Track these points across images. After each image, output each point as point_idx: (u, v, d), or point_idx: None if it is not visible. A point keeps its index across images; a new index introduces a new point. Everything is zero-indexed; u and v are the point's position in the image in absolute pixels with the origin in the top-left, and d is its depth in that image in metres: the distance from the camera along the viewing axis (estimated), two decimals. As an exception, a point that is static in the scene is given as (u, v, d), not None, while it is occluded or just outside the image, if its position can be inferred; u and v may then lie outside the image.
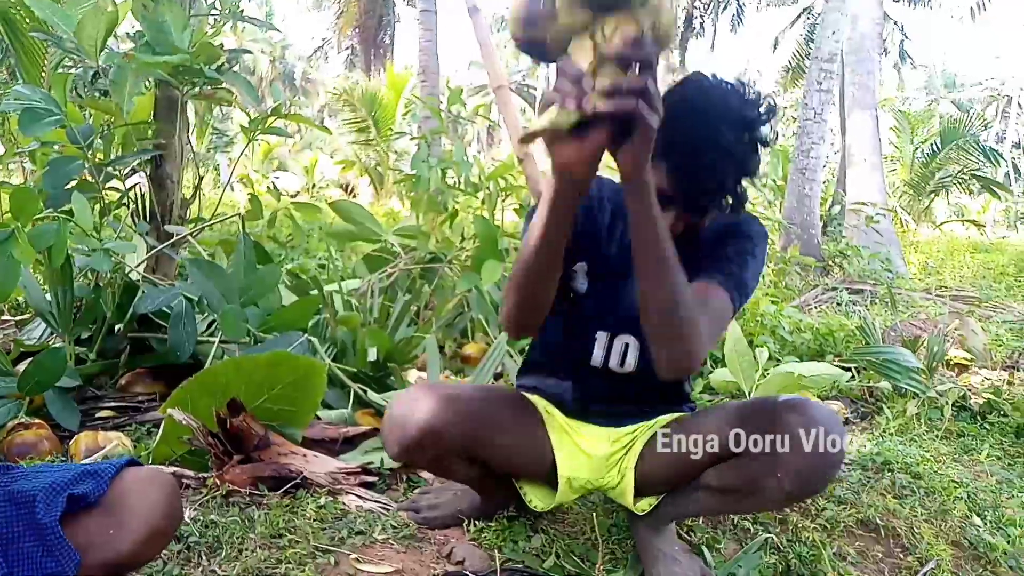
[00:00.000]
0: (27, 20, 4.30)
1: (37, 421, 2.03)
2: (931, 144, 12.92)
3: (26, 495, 1.15)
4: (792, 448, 1.43)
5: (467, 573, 1.64)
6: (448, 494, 1.92)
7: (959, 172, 12.69)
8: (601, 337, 1.67)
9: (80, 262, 2.42)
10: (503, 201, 3.55)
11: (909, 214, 12.48)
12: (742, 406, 1.64)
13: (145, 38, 3.28)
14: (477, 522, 1.82)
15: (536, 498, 1.77)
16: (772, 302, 3.59)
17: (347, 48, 24.99)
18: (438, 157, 3.68)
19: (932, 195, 13.35)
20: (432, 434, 1.53)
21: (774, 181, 10.01)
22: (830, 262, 7.18)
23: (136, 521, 1.19)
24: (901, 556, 1.91)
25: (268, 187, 4.04)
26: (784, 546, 1.84)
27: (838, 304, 5.13)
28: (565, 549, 1.74)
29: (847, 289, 5.59)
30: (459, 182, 3.58)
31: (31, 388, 2.02)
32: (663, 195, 1.36)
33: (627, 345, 1.67)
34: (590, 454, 1.73)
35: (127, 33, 3.75)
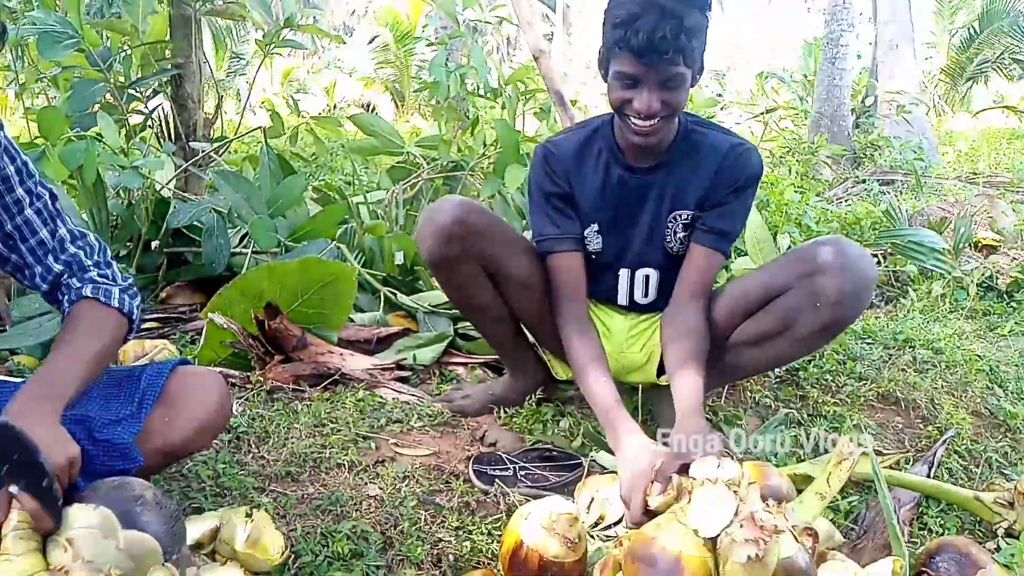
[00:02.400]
0: (36, -57, 4.26)
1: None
2: (969, 28, 12.31)
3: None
4: (829, 274, 1.49)
5: (500, 453, 1.73)
6: (479, 386, 2.01)
7: (999, 56, 12.13)
8: (623, 275, 1.80)
9: (112, 181, 2.48)
10: (523, 105, 3.52)
11: (945, 103, 12.04)
12: (774, 260, 1.77)
13: (163, -43, 3.23)
14: (508, 409, 1.91)
15: (560, 368, 1.87)
16: (797, 191, 3.55)
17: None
18: (456, 64, 3.64)
19: (970, 82, 12.81)
20: (462, 223, 1.62)
21: (804, 76, 9.70)
22: (861, 155, 7.01)
23: (189, 414, 1.29)
24: (921, 426, 1.97)
25: (288, 103, 4.05)
26: (805, 420, 1.90)
27: (868, 194, 5.06)
28: (592, 431, 1.82)
29: (878, 180, 5.49)
30: (478, 88, 3.54)
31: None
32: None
33: (647, 276, 1.79)
34: (610, 327, 1.83)
35: (134, -48, 3.70)
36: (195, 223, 2.48)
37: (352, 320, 2.28)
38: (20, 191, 1.19)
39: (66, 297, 1.22)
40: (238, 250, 2.56)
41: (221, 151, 3.44)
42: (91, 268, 1.25)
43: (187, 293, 2.52)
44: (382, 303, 2.40)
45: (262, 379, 1.92)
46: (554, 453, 1.77)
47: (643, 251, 1.76)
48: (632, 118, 1.56)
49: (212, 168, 3.27)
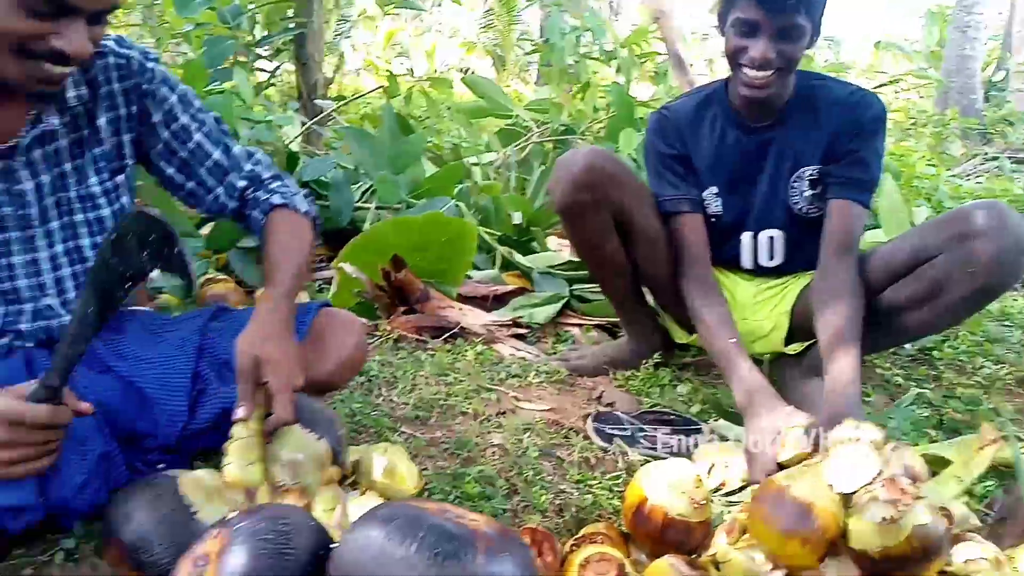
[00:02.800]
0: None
1: (223, 276, 2.26)
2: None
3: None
4: (986, 238, 1.43)
5: (618, 413, 1.75)
6: (595, 347, 2.02)
7: None
8: (746, 238, 1.77)
9: (245, 134, 2.60)
10: (639, 68, 3.46)
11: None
12: (923, 224, 1.71)
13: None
14: (624, 371, 1.92)
15: (679, 331, 1.87)
16: (930, 164, 3.36)
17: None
18: (571, 26, 3.61)
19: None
20: (596, 170, 1.65)
21: (927, 46, 9.12)
22: (991, 130, 6.57)
23: (333, 351, 1.36)
24: (1063, 415, 1.86)
25: (405, 69, 4.11)
26: (938, 401, 1.83)
27: (1000, 172, 4.74)
28: (711, 396, 1.80)
29: (1010, 158, 5.14)
30: (592, 51, 3.50)
31: (217, 245, 2.24)
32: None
33: (772, 238, 1.76)
34: (735, 293, 1.82)
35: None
36: (322, 178, 2.58)
37: (470, 277, 2.33)
38: (185, 118, 1.25)
39: (256, 209, 1.29)
40: (360, 204, 2.64)
41: (339, 109, 3.55)
42: (270, 180, 1.32)
43: (312, 244, 2.63)
44: (498, 262, 2.43)
45: (388, 328, 1.99)
46: (672, 417, 1.77)
47: (766, 212, 1.74)
48: (746, 68, 1.56)
49: (330, 126, 3.39)
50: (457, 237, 2.13)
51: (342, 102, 3.34)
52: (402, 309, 2.08)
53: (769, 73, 1.55)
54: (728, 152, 1.73)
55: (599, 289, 2.22)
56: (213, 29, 3.06)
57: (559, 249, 2.66)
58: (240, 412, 1.09)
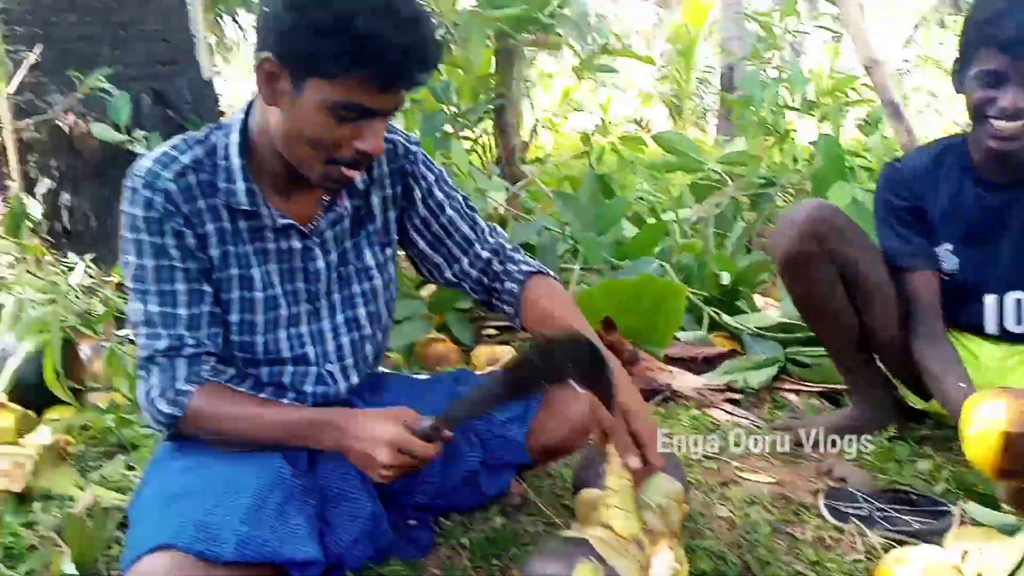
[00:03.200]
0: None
1: (442, 336, 2.41)
2: None
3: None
4: None
5: (851, 489, 1.65)
6: (818, 417, 1.93)
7: None
8: (989, 300, 1.67)
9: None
10: (844, 117, 3.33)
11: None
12: None
13: (487, -7, 3.54)
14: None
15: (914, 397, 1.75)
16: None
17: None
18: (768, 78, 3.54)
19: None
20: (822, 221, 1.62)
21: None
22: None
23: (566, 417, 1.40)
24: None
25: (592, 127, 4.23)
26: None
27: None
28: (958, 475, 1.66)
29: None
30: (793, 100, 3.41)
31: (438, 308, 2.40)
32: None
33: (1020, 301, 1.65)
34: (978, 355, 1.69)
35: (469, -8, 4.10)
36: (527, 240, 2.69)
37: (677, 338, 2.32)
38: (440, 195, 1.35)
39: (508, 280, 1.34)
40: (564, 265, 2.72)
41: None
42: (513, 251, 1.39)
43: (518, 304, 2.73)
44: (705, 323, 2.40)
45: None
46: (913, 497, 1.64)
47: (1012, 273, 1.63)
48: (995, 120, 1.49)
49: (526, 187, 3.53)
50: (666, 298, 2.13)
51: (544, 167, 3.46)
52: (613, 371, 2.11)
53: (1020, 123, 1.47)
54: (967, 208, 1.64)
55: (819, 352, 2.13)
56: (427, 105, 3.31)
57: (765, 307, 2.58)
58: (634, 462, 1.12)
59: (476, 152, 4.03)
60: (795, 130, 3.83)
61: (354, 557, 1.20)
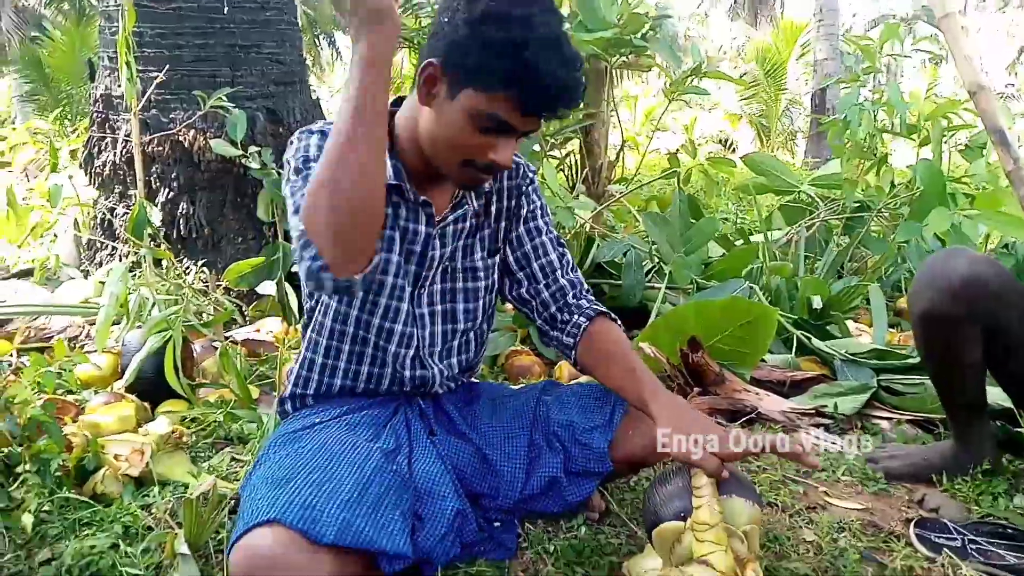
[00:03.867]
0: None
1: (526, 349, 2.46)
2: None
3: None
4: None
5: (944, 520, 1.60)
6: (911, 449, 1.88)
7: None
8: None
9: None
10: (947, 142, 3.22)
11: None
12: None
13: (579, 17, 3.62)
14: (948, 476, 1.76)
15: None
16: None
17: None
18: (866, 100, 3.47)
19: None
20: (976, 284, 1.51)
21: None
22: None
23: (649, 428, 1.42)
24: None
25: (682, 145, 4.22)
26: None
27: None
28: (1059, 512, 1.59)
29: None
30: (892, 124, 3.33)
31: (522, 322, 2.45)
32: None
33: None
34: None
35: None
36: (613, 259, 2.72)
37: (764, 361, 2.30)
38: (540, 221, 1.46)
39: (579, 314, 1.44)
40: (648, 284, 2.74)
41: (628, 193, 3.72)
42: (586, 291, 1.48)
43: (602, 321, 2.77)
44: (794, 346, 2.37)
45: (687, 409, 2.03)
46: (1009, 531, 1.58)
47: None
48: None
49: (612, 207, 3.56)
50: (756, 320, 2.12)
51: (631, 187, 3.49)
52: (697, 390, 2.11)
53: None
54: None
55: (913, 380, 2.08)
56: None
57: (858, 335, 2.53)
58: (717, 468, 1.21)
59: (563, 171, 4.08)
60: (891, 153, 3.74)
61: (442, 553, 1.25)
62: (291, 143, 1.27)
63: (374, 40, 1.04)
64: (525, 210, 1.44)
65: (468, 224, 1.39)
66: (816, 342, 2.35)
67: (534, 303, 1.47)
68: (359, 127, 1.04)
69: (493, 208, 1.42)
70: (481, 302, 1.44)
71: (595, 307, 1.46)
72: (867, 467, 1.82)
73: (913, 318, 1.65)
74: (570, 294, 1.46)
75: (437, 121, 1.19)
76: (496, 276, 1.46)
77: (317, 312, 1.38)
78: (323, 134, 1.24)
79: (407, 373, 1.39)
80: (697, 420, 1.26)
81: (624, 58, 3.86)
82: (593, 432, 1.41)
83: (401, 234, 1.32)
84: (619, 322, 1.47)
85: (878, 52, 3.31)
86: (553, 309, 1.46)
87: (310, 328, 1.40)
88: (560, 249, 1.48)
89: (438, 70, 1.16)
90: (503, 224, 1.44)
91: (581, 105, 1.28)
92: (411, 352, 1.38)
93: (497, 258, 1.45)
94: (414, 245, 1.34)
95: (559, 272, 1.46)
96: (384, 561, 1.13)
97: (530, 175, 1.45)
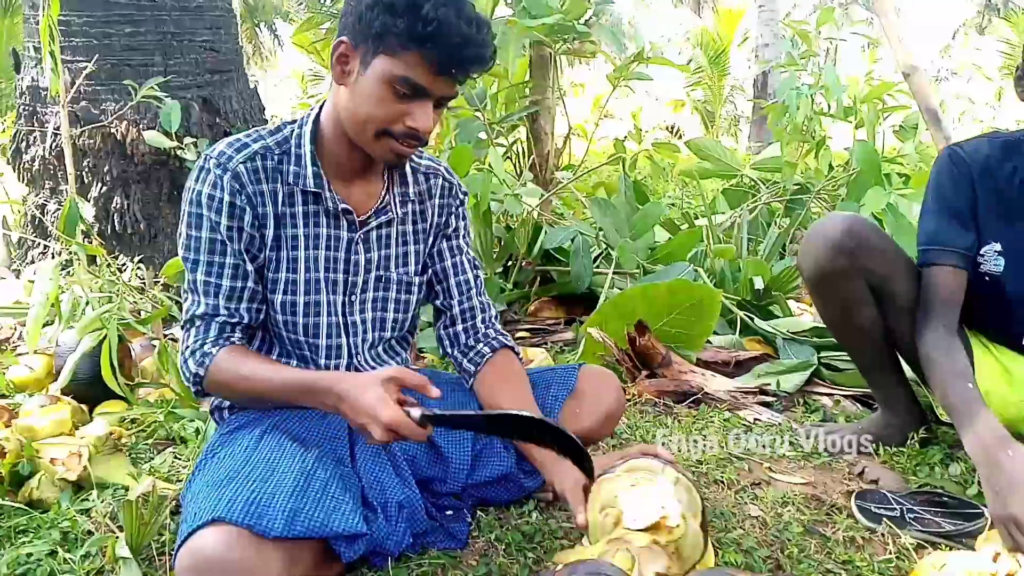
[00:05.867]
0: None
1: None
2: None
3: None
4: None
5: (883, 491, 1.65)
6: (844, 425, 1.92)
7: None
8: None
9: (495, 208, 2.83)
10: (882, 124, 3.32)
11: None
12: None
13: (522, 3, 3.60)
14: (886, 448, 1.82)
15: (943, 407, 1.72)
16: None
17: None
18: (804, 84, 3.54)
19: None
20: (853, 236, 1.59)
21: None
22: None
23: (595, 406, 1.48)
24: None
25: (629, 132, 4.26)
26: None
27: None
28: (992, 479, 1.65)
29: None
30: (830, 107, 3.41)
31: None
32: None
33: None
34: (1012, 371, 1.65)
35: (505, 1, 4.16)
36: (561, 245, 2.73)
37: (710, 342, 2.34)
38: (461, 241, 1.49)
39: (481, 343, 1.47)
40: (597, 269, 2.75)
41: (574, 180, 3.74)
42: (495, 317, 1.52)
43: (552, 307, 2.78)
44: (738, 327, 2.42)
45: (635, 392, 2.05)
46: (945, 499, 1.64)
47: None
48: None
49: (559, 193, 3.57)
50: (701, 303, 2.15)
51: (578, 173, 3.50)
52: (645, 373, 2.14)
53: None
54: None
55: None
56: (461, 112, 3.38)
57: (800, 314, 2.59)
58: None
59: (510, 159, 4.08)
60: (830, 136, 3.83)
61: (393, 542, 1.24)
62: (188, 191, 1.28)
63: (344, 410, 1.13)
64: (451, 228, 1.47)
65: (395, 231, 1.39)
66: (759, 322, 2.40)
67: (444, 315, 1.49)
68: (278, 398, 1.22)
69: (423, 224, 1.43)
70: (410, 313, 1.46)
71: (501, 338, 1.48)
72: (809, 441, 1.86)
73: (806, 283, 1.72)
74: (479, 317, 1.48)
75: (354, 96, 1.21)
76: (423, 293, 1.48)
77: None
78: (217, 180, 1.25)
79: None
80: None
81: (568, 44, 3.87)
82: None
83: (325, 242, 1.32)
84: (521, 356, 1.50)
85: (816, 36, 3.38)
86: (460, 327, 1.48)
87: None
88: (476, 272, 1.51)
89: (348, 46, 1.20)
90: (430, 240, 1.45)
91: (492, 69, 1.30)
92: (343, 362, 1.37)
93: (426, 276, 1.47)
94: (337, 252, 1.33)
95: (473, 291, 1.49)
96: (342, 545, 1.12)
97: (461, 196, 1.48)
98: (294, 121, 1.33)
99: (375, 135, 1.21)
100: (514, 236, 2.77)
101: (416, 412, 1.12)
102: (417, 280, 1.44)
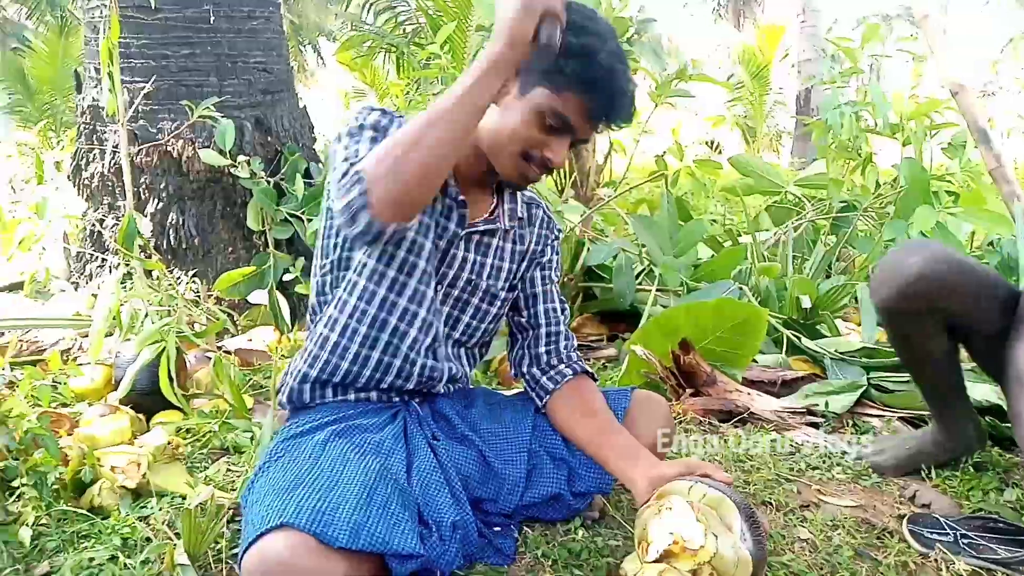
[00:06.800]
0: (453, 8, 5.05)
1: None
2: None
3: None
4: None
5: (936, 516, 1.62)
6: (896, 440, 1.90)
7: None
8: None
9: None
10: (929, 141, 3.27)
11: None
12: None
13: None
14: (939, 471, 1.78)
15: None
16: None
17: (714, 2, 24.50)
18: (850, 100, 3.51)
19: None
20: (931, 279, 1.50)
21: None
22: None
23: (648, 430, 1.46)
24: None
25: (669, 148, 4.25)
26: None
27: None
28: (1051, 507, 1.62)
29: None
30: (876, 124, 3.37)
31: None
32: None
33: None
34: None
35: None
36: (604, 262, 2.74)
37: (755, 361, 2.32)
38: (553, 273, 1.56)
39: (565, 364, 1.51)
40: (639, 287, 2.75)
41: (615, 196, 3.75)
42: (575, 347, 1.56)
43: (594, 324, 2.79)
44: (784, 346, 2.40)
45: (680, 411, 2.05)
46: (1001, 525, 1.61)
47: None
48: None
49: (599, 209, 3.58)
50: (747, 321, 2.14)
51: (620, 190, 3.51)
52: (689, 391, 2.13)
53: None
54: None
55: (904, 378, 2.11)
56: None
57: (847, 334, 2.56)
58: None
59: (552, 176, 4.10)
60: (876, 153, 3.78)
61: (445, 562, 1.26)
62: (354, 118, 1.32)
63: (505, 48, 1.11)
64: (546, 258, 1.53)
65: (495, 244, 1.45)
66: (806, 341, 2.37)
67: (527, 335, 1.53)
68: (460, 108, 1.12)
69: (521, 246, 1.49)
70: (484, 325, 1.49)
71: (581, 364, 1.53)
72: (855, 463, 1.84)
73: (879, 316, 1.68)
74: (563, 344, 1.53)
75: (503, 115, 1.26)
76: (506, 312, 1.53)
77: (341, 290, 1.38)
78: (384, 112, 1.31)
79: (419, 362, 1.39)
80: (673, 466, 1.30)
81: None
82: None
83: (434, 231, 1.37)
84: (595, 378, 1.55)
85: (861, 52, 3.35)
86: (543, 349, 1.52)
87: (332, 305, 1.39)
88: (563, 304, 1.56)
89: None
90: (523, 265, 1.51)
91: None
92: (427, 340, 1.40)
93: (512, 296, 1.52)
94: (441, 240, 1.38)
95: (562, 320, 1.54)
96: (396, 563, 1.14)
97: (556, 232, 1.57)
98: None
99: (513, 154, 1.27)
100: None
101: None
102: (502, 295, 1.48)
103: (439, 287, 1.40)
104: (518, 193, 1.47)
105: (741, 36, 15.76)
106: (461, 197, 1.36)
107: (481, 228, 1.41)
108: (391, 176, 1.10)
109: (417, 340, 1.38)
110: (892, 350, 2.23)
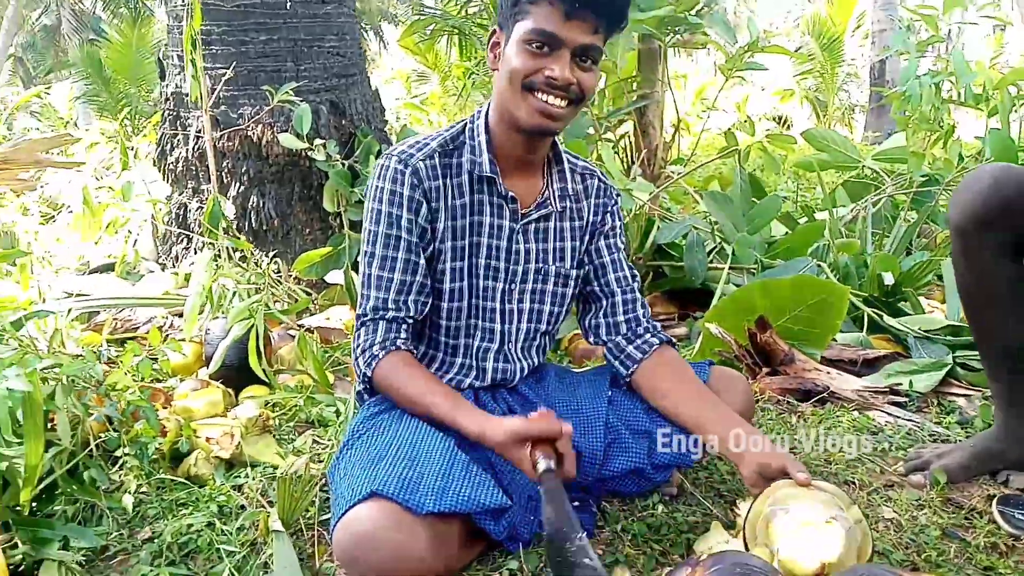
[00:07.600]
0: None
1: (590, 332, 2.47)
2: None
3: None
4: None
5: (1031, 498, 1.57)
6: (962, 443, 1.70)
7: None
8: None
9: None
10: (1016, 111, 3.12)
11: None
12: None
13: (633, -3, 3.56)
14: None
15: None
16: None
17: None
18: (929, 70, 3.37)
19: None
20: (1009, 183, 1.39)
21: None
22: None
23: (730, 403, 1.45)
24: None
25: (736, 124, 4.16)
26: None
27: None
28: None
29: None
30: (958, 95, 3.24)
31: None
32: None
33: None
34: None
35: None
36: (674, 240, 2.71)
37: (835, 340, 2.27)
38: (617, 240, 1.54)
39: (651, 334, 1.50)
40: (710, 265, 2.72)
41: (686, 174, 3.70)
42: (648, 311, 1.55)
43: (665, 302, 2.77)
44: (865, 324, 2.34)
45: (757, 390, 2.02)
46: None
47: None
48: None
49: (668, 187, 3.53)
50: (827, 299, 2.10)
51: (690, 167, 3.47)
52: (766, 371, 2.10)
53: None
54: None
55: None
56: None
57: (931, 311, 2.48)
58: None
59: (618, 154, 4.07)
60: (957, 125, 3.63)
61: (527, 530, 1.29)
62: (377, 175, 1.37)
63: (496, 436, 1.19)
64: (608, 226, 1.52)
65: (552, 226, 1.45)
66: (888, 320, 2.31)
67: (601, 305, 1.51)
68: (438, 419, 1.27)
69: (579, 222, 1.49)
70: (565, 307, 1.51)
71: (663, 334, 1.52)
72: (913, 478, 1.64)
73: (951, 237, 1.53)
74: (640, 312, 1.52)
75: (503, 69, 1.31)
76: (577, 287, 1.53)
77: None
78: (403, 163, 1.35)
79: (489, 366, 1.44)
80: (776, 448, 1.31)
81: (678, 36, 3.83)
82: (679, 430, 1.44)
83: (488, 231, 1.39)
84: (676, 346, 1.55)
85: (942, 21, 3.21)
86: (621, 318, 1.51)
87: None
88: (632, 270, 1.55)
89: (498, 33, 1.33)
90: (587, 238, 1.51)
91: (625, 20, 1.32)
92: (494, 347, 1.44)
93: (582, 271, 1.51)
94: (500, 240, 1.40)
95: (635, 286, 1.53)
96: (489, 522, 1.17)
97: (615, 197, 1.55)
98: (471, 118, 1.43)
99: (520, 92, 1.28)
100: (626, 231, 2.77)
101: (541, 464, 1.16)
102: (574, 274, 1.49)
103: (512, 286, 1.43)
104: (567, 169, 1.46)
105: (812, 5, 15.21)
106: (511, 193, 1.39)
107: (535, 215, 1.42)
108: (388, 395, 1.36)
109: (481, 348, 1.44)
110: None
